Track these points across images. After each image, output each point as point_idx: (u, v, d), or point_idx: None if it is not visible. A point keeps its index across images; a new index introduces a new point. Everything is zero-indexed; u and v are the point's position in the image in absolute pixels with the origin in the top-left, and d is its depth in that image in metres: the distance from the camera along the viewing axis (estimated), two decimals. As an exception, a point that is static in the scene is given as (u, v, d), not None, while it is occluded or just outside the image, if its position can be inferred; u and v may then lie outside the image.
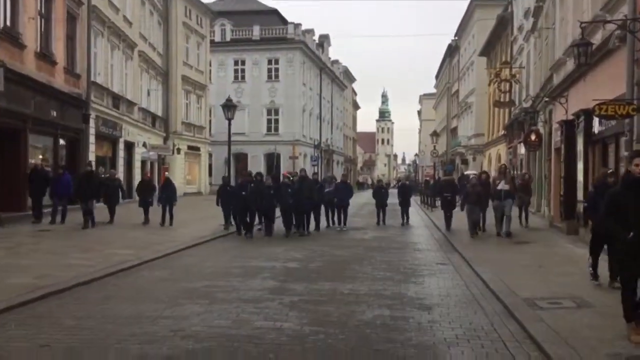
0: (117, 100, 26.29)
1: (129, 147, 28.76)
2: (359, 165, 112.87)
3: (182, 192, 35.89)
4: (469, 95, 49.67)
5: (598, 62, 11.59)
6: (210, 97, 46.71)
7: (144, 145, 30.96)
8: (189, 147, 38.11)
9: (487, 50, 40.23)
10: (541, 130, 19.61)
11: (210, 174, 46.89)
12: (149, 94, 32.18)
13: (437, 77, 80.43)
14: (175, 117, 36.19)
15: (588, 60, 10.04)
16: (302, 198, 14.79)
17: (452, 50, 61.63)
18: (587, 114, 12.11)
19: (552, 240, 13.20)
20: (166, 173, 23.41)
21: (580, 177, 12.79)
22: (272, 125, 48.32)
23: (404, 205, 19.40)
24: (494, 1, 44.77)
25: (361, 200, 29.90)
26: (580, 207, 12.82)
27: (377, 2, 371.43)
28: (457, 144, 53.94)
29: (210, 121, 47.35)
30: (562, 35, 15.39)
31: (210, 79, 47.31)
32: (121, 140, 26.65)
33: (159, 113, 34.43)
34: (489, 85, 40.54)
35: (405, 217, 19.21)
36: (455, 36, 58.44)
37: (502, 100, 29.01)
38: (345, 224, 17.09)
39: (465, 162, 52.35)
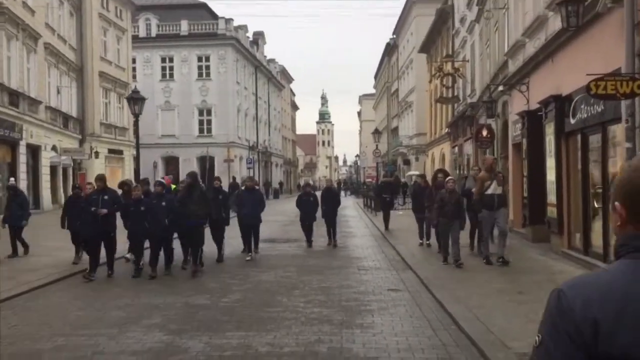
0: (15, 97, 22.82)
1: (34, 151, 25.26)
2: (300, 167, 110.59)
3: (102, 200, 32.67)
4: (409, 94, 48.30)
5: (571, 38, 9.63)
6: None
7: (54, 149, 27.46)
8: (110, 151, 34.63)
9: (427, 46, 38.77)
10: (493, 126, 17.79)
11: (137, 180, 43.40)
12: (59, 91, 28.65)
13: (376, 77, 79.25)
14: (93, 117, 32.66)
15: (579, 22, 7.99)
16: (187, 214, 9.75)
17: (390, 49, 60.36)
18: (559, 100, 10.16)
19: (520, 252, 11.18)
20: None
21: (551, 175, 10.83)
22: (205, 126, 45.19)
23: (329, 217, 13.92)
24: (431, -3, 43.75)
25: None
26: (552, 211, 10.87)
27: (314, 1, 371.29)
28: (398, 144, 52.51)
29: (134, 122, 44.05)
30: (520, 14, 13.51)
31: (134, 76, 43.85)
32: (22, 143, 23.16)
33: (73, 113, 30.89)
34: (430, 82, 39.14)
35: (332, 235, 13.93)
36: (393, 34, 57.17)
37: (445, 95, 27.33)
38: (256, 247, 11.96)
39: (407, 162, 50.95)
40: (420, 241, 12.95)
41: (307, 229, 13.73)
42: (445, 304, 6.93)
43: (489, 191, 9.90)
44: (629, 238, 1.23)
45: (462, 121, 26.72)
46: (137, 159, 15.35)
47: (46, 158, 26.03)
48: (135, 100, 14.53)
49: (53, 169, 27.44)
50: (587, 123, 9.02)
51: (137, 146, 15.15)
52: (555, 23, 10.32)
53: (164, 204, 9.92)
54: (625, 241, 1.24)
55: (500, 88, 14.57)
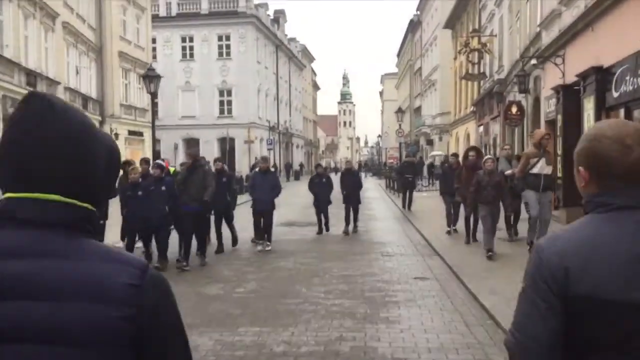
0: (32, 77, 22.55)
1: (53, 132, 25.07)
2: (321, 149, 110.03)
3: (123, 182, 32.58)
4: (433, 72, 47.16)
5: (615, 4, 8.80)
6: (156, 77, 43.07)
7: (73, 130, 27.25)
8: (130, 132, 34.40)
9: (452, 22, 37.59)
10: (523, 102, 16.94)
11: (151, 162, 43.26)
12: (78, 72, 28.36)
13: (398, 55, 77.83)
14: (112, 98, 32.36)
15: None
16: (184, 199, 8.82)
17: (413, 26, 59.00)
18: (600, 72, 9.36)
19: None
20: None
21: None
22: (225, 107, 44.74)
23: (350, 202, 12.64)
24: (457, -29, 42.37)
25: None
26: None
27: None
28: (421, 124, 51.57)
29: (155, 103, 43.79)
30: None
31: (154, 57, 43.49)
32: (40, 124, 22.91)
33: (92, 94, 30.61)
34: (455, 59, 38.04)
35: (353, 221, 12.76)
36: (417, 10, 55.77)
37: (472, 72, 26.37)
38: (268, 238, 10.62)
39: (430, 142, 49.99)
40: (448, 228, 11.61)
41: (321, 213, 12.50)
42: (478, 295, 6.34)
43: (535, 170, 8.39)
44: (592, 196, 1.43)
45: (489, 99, 25.79)
46: (153, 139, 14.85)
47: (65, 139, 25.82)
48: (151, 78, 14.06)
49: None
50: (632, 96, 8.23)
51: (153, 126, 14.71)
52: (597, -12, 9.49)
53: (163, 188, 8.59)
54: (589, 198, 1.44)
55: (533, 61, 13.71)
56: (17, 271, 1.02)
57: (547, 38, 13.31)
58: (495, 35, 25.07)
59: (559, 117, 11.89)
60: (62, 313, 1.01)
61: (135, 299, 1.05)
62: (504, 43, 23.43)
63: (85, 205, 1.11)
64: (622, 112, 8.96)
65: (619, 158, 1.37)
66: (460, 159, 11.83)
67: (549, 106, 13.25)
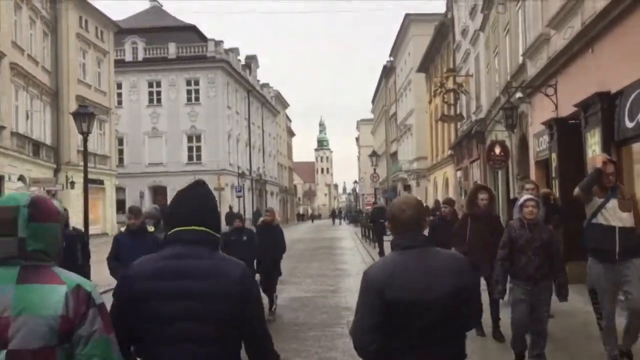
0: (-30, 121, 20.54)
1: (-5, 181, 22.92)
2: (299, 195, 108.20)
3: (80, 234, 30.16)
4: (408, 116, 46.17)
5: (621, 16, 7.30)
6: (121, 124, 41.19)
7: (21, 179, 25.07)
8: (90, 181, 32.11)
9: (426, 65, 36.74)
10: (507, 142, 15.41)
11: (123, 211, 40.93)
12: (28, 116, 26.40)
13: (373, 101, 77.45)
14: (69, 145, 30.34)
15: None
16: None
17: (387, 72, 58.51)
18: (606, 99, 7.76)
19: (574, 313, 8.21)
20: None
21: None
22: (194, 153, 42.90)
23: (267, 273, 9.06)
24: (428, 16, 41.84)
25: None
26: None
27: (305, 31, 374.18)
28: (398, 169, 50.20)
29: (120, 150, 41.76)
30: (539, 4, 11.22)
31: (119, 102, 41.80)
32: (-23, 172, 20.77)
33: (46, 140, 28.61)
34: (430, 102, 37.02)
35: (270, 299, 9.04)
36: (390, 56, 55.34)
37: (448, 113, 25.06)
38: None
39: (407, 187, 48.49)
40: None
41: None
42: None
43: (600, 219, 5.17)
44: (394, 241, 2.55)
45: (467, 141, 24.39)
46: (85, 185, 12.86)
47: (10, 189, 23.58)
48: (83, 116, 12.16)
49: (20, 201, 24.99)
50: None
51: (85, 171, 12.72)
52: (595, 2, 8.01)
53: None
54: (393, 242, 2.54)
55: (519, 94, 12.18)
56: (184, 265, 2.12)
57: (533, 69, 11.86)
58: (472, 75, 23.92)
59: (554, 156, 10.28)
60: (205, 284, 2.07)
61: (241, 283, 2.12)
62: (481, 82, 22.21)
63: (214, 233, 2.26)
64: (635, 145, 7.32)
65: (399, 216, 2.50)
66: (462, 204, 9.87)
67: (539, 144, 11.67)
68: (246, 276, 2.16)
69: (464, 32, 25.27)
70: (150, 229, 6.69)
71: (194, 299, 2.04)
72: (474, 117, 23.24)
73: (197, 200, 2.27)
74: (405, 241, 2.47)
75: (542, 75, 10.84)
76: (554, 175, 10.33)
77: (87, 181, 12.75)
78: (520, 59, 13.47)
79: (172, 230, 2.21)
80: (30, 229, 1.90)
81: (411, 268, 2.39)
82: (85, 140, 12.37)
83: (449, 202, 8.94)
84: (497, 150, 15.06)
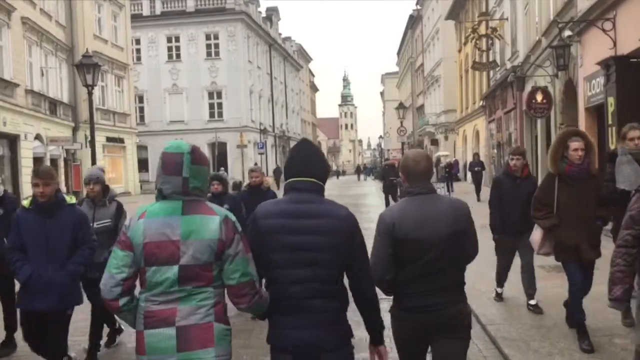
0: (-19, 78, 19.81)
1: (12, 141, 22.33)
2: (323, 151, 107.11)
3: (102, 193, 29.76)
4: (436, 67, 44.34)
5: None
6: (141, 81, 40.34)
7: (38, 138, 24.50)
8: (109, 139, 31.62)
9: (455, 11, 34.74)
10: (549, 89, 14.06)
11: (147, 170, 40.61)
12: (43, 73, 25.62)
13: (398, 53, 75.06)
14: (87, 102, 29.57)
15: None
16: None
17: (413, 22, 56.22)
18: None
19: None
20: None
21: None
22: (215, 110, 41.94)
23: None
24: (459, -41, 39.55)
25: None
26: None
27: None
28: (424, 123, 48.69)
29: (140, 108, 41.07)
30: None
31: (138, 58, 40.84)
32: (-9, 132, 20.15)
33: (64, 98, 27.89)
34: (459, 51, 35.22)
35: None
36: (416, 5, 52.97)
37: (481, 61, 23.50)
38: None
39: (435, 142, 47.12)
40: (499, 289, 6.60)
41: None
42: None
43: None
44: (407, 189, 2.99)
45: (502, 90, 22.94)
46: (91, 142, 12.02)
47: (27, 149, 23.07)
48: (87, 67, 11.20)
49: (38, 161, 24.46)
50: None
51: (92, 127, 11.85)
52: None
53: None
54: (406, 190, 3.00)
55: (567, 33, 10.80)
56: (303, 208, 2.58)
57: (585, 2, 10.42)
58: (507, 19, 22.24)
59: (611, 100, 9.00)
60: (319, 222, 2.53)
61: (346, 221, 2.58)
62: (517, 26, 20.58)
63: (321, 182, 2.68)
64: None
65: (413, 168, 2.97)
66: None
67: (591, 88, 10.37)
68: (349, 215, 2.62)
69: (498, -28, 23.47)
70: (70, 199, 4.45)
71: (311, 233, 2.52)
72: (509, 64, 21.71)
73: (306, 156, 2.71)
74: (417, 189, 2.94)
75: (598, 8, 9.47)
76: (609, 122, 9.09)
77: (94, 139, 11.96)
78: (569, -8, 12.01)
79: (288, 181, 2.69)
80: (191, 170, 2.44)
81: (418, 211, 2.89)
82: (90, 94, 11.50)
83: (520, 152, 6.24)
84: (539, 97, 13.77)
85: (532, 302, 6.06)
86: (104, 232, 4.89)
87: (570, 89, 12.55)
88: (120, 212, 5.13)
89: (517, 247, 6.20)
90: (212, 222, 2.42)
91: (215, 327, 2.40)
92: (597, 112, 10.17)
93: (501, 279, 6.52)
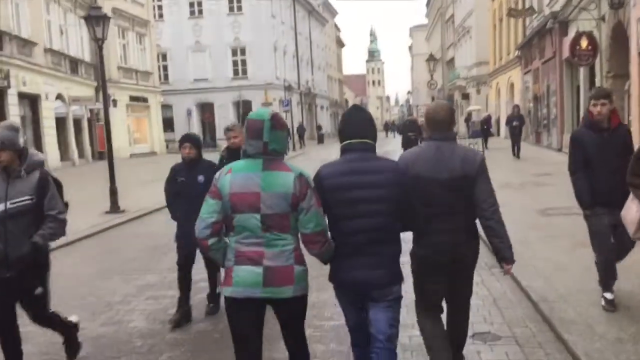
0: (-2, 37, 19.32)
1: (33, 101, 21.99)
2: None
3: (128, 153, 29.51)
4: (467, 17, 42.38)
5: None
6: (163, 39, 39.53)
7: (60, 97, 24.14)
8: (132, 98, 31.18)
9: (489, -44, 32.80)
10: (595, 34, 12.86)
11: (172, 129, 40.26)
12: (62, 32, 25.06)
13: (427, 4, 72.39)
14: (108, 61, 28.89)
15: None
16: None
17: (444, -30, 53.77)
18: None
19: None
20: None
21: None
22: (239, 67, 41.03)
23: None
24: None
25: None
26: None
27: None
28: (455, 77, 46.99)
29: (164, 67, 40.39)
30: None
31: (160, 15, 39.96)
32: (10, 92, 19.77)
33: (85, 57, 27.37)
34: (493, 0, 33.39)
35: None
36: (447, -49, 50.51)
37: (516, 7, 22.03)
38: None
39: (466, 96, 45.51)
40: (608, 296, 4.61)
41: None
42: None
43: None
44: (429, 136, 3.34)
45: (539, 39, 21.55)
46: (104, 97, 11.40)
47: (48, 109, 22.73)
48: (97, 19, 10.50)
49: (60, 121, 24.21)
50: None
51: (104, 81, 11.21)
52: None
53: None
54: (427, 137, 3.37)
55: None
56: (360, 166, 2.94)
57: None
58: (546, -40, 20.64)
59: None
60: (376, 177, 2.91)
61: (397, 174, 2.99)
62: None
63: (373, 142, 3.03)
64: None
65: (434, 116, 3.28)
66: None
67: (647, 29, 9.25)
68: (399, 169, 3.08)
69: None
70: None
71: (367, 187, 2.90)
72: (547, 10, 20.26)
73: (360, 119, 3.10)
74: (436, 134, 3.29)
75: None
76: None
77: (106, 96, 11.27)
78: None
79: (345, 142, 3.03)
80: (271, 135, 2.83)
81: (432, 154, 3.24)
82: (100, 49, 10.82)
83: (605, 95, 4.52)
84: (584, 43, 12.65)
85: (609, 295, 4.51)
86: (23, 214, 3.66)
87: (619, 34, 11.40)
88: (44, 185, 3.74)
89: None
90: (287, 177, 2.80)
91: (295, 269, 2.83)
92: (654, 56, 9.11)
93: (608, 276, 4.56)
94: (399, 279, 3.02)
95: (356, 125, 3.03)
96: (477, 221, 3.29)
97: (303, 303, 2.94)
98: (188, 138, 5.14)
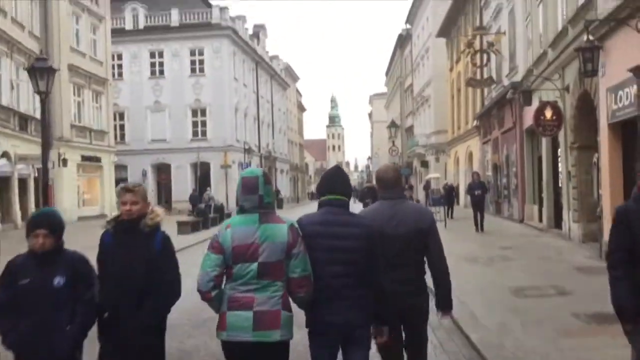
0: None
1: (-26, 158, 20.70)
2: (310, 173, 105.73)
3: (76, 216, 28.01)
4: (426, 87, 43.38)
5: None
6: (122, 97, 38.82)
7: (5, 155, 22.85)
8: (85, 158, 29.97)
9: (447, 28, 33.85)
10: (559, 103, 12.80)
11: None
12: (13, 87, 24.06)
13: (387, 73, 74.37)
14: (61, 119, 28.04)
15: None
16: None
17: (402, 41, 55.51)
18: None
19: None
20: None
21: None
22: (199, 128, 40.41)
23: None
24: (450, -23, 38.86)
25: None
26: None
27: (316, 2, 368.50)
28: (414, 144, 47.51)
29: (121, 126, 39.45)
30: None
31: (120, 74, 39.40)
32: (-52, 147, 18.48)
33: (36, 114, 26.20)
34: (451, 70, 34.24)
35: None
36: (406, 23, 52.26)
37: (477, 77, 22.35)
38: None
39: (425, 164, 45.94)
40: None
41: None
42: None
43: None
44: (380, 195, 3.78)
45: (498, 109, 21.77)
46: (44, 155, 10.48)
47: (-9, 166, 21.39)
48: (40, 71, 9.73)
49: (4, 181, 22.83)
50: None
51: (44, 137, 10.33)
52: None
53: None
54: (379, 196, 3.77)
55: (584, 39, 9.49)
56: (335, 219, 3.26)
57: (609, 1, 9.16)
58: (504, 33, 21.15)
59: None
60: (350, 230, 3.22)
61: (367, 229, 3.28)
62: (517, 39, 19.48)
63: (348, 200, 3.35)
64: None
65: (384, 177, 3.67)
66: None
67: (617, 101, 9.07)
68: (369, 226, 3.33)
69: (494, -14, 22.46)
70: None
71: (344, 238, 3.18)
72: (507, 81, 20.56)
73: (337, 178, 3.42)
74: (387, 194, 3.67)
75: (627, 6, 8.20)
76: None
77: (46, 155, 10.31)
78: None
79: (323, 197, 3.36)
80: (265, 189, 3.14)
81: (387, 212, 3.57)
82: (43, 103, 9.99)
83: None
84: (549, 113, 12.49)
85: None
86: None
87: (585, 103, 11.29)
88: None
89: None
90: (282, 228, 3.11)
91: (282, 314, 3.04)
92: (625, 128, 8.88)
93: None
94: (372, 317, 3.29)
95: (335, 183, 3.36)
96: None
97: (287, 349, 3.16)
98: (41, 222, 3.42)
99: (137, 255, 3.45)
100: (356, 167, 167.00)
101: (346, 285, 3.15)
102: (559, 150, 14.04)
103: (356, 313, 3.16)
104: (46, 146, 10.22)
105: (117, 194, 3.68)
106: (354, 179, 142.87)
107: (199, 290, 3.03)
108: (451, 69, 34.31)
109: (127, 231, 3.53)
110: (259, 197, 3.08)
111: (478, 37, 22.39)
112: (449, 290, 3.61)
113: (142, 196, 3.57)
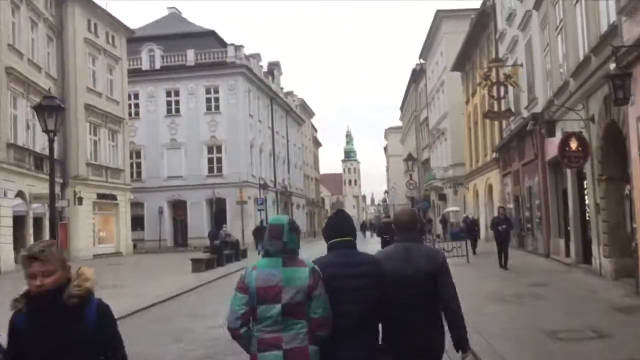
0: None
1: (-12, 198, 20.64)
2: (327, 207, 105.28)
3: (91, 254, 27.83)
4: (442, 120, 43.07)
5: None
6: (138, 136, 39.04)
7: (20, 195, 22.80)
8: (100, 196, 29.93)
9: (462, 62, 33.71)
10: (584, 134, 12.33)
11: (142, 228, 38.82)
12: (29, 126, 24.19)
13: (402, 107, 74.38)
14: (77, 157, 28.12)
15: None
16: None
17: (417, 75, 55.54)
18: None
19: None
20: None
21: None
22: (215, 165, 40.41)
23: None
24: (461, 11, 38.96)
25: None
26: None
27: (331, 38, 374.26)
28: (431, 177, 46.95)
29: (137, 164, 39.55)
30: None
31: (137, 113, 39.72)
32: (-38, 188, 18.45)
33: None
34: (467, 103, 33.93)
35: None
36: (420, 58, 52.33)
37: (495, 109, 21.95)
38: None
39: (443, 197, 45.27)
40: None
41: None
42: None
43: None
44: (398, 238, 3.81)
45: (518, 141, 21.29)
46: (51, 197, 10.22)
47: (6, 207, 21.29)
48: (49, 110, 9.54)
49: (19, 220, 22.73)
50: None
51: (52, 179, 10.08)
52: None
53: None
54: (396, 239, 3.85)
55: (612, 66, 9.10)
56: (347, 260, 3.42)
57: (635, 28, 8.77)
58: (521, 65, 20.83)
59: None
60: (364, 268, 3.41)
61: (377, 266, 3.48)
62: (535, 71, 19.14)
63: (354, 240, 3.56)
64: None
65: (400, 220, 3.84)
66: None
67: (649, 129, 8.58)
68: (379, 261, 3.55)
69: (509, 18, 22.25)
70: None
71: (357, 277, 3.33)
72: (526, 112, 20.15)
73: (342, 221, 3.62)
74: (403, 237, 3.77)
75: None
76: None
77: (53, 193, 10.04)
78: (610, 20, 10.43)
79: (333, 240, 3.53)
80: (289, 236, 3.31)
81: (401, 254, 3.66)
82: (51, 142, 9.77)
83: None
84: (573, 144, 12.00)
85: None
86: None
87: (612, 133, 10.80)
88: None
89: None
90: (304, 272, 3.25)
91: (310, 348, 3.21)
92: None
93: None
94: (381, 354, 3.47)
95: (341, 226, 3.56)
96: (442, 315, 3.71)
97: None
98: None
99: (62, 342, 2.53)
100: (372, 200, 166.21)
101: (357, 325, 3.30)
102: (585, 182, 13.48)
103: (366, 352, 3.31)
104: (54, 184, 9.95)
105: (20, 262, 2.64)
106: (371, 213, 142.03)
107: (228, 328, 3.24)
108: (467, 102, 34.00)
109: (45, 309, 2.56)
110: (282, 243, 3.27)
111: (494, 70, 22.08)
112: (464, 329, 3.64)
113: (56, 261, 2.61)
